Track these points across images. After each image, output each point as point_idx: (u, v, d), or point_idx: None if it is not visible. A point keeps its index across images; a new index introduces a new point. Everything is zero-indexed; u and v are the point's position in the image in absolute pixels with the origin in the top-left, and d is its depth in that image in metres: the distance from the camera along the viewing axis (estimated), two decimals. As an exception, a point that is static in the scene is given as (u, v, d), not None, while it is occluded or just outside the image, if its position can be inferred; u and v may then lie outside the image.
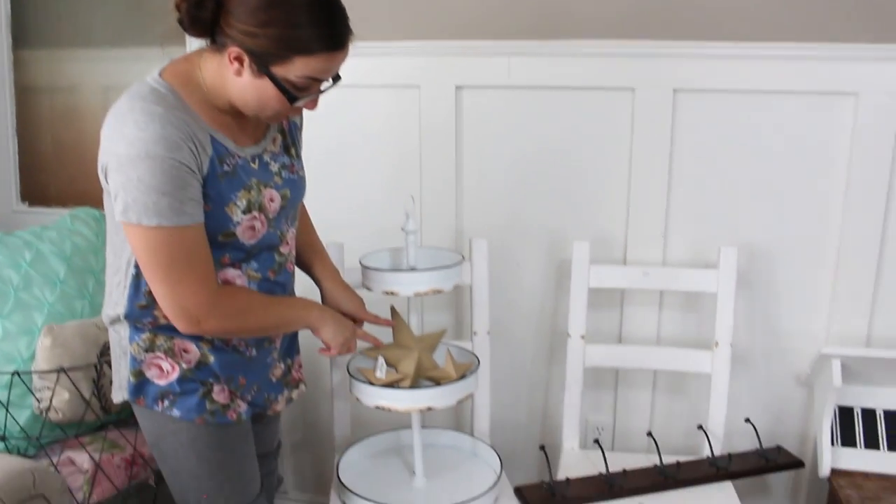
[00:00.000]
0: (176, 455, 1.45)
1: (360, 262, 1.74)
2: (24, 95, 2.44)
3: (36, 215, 2.42)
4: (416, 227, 1.72)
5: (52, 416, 1.79)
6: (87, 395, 1.81)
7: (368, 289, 1.73)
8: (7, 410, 1.77)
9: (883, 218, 1.87)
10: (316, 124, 1.68)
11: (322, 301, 1.66)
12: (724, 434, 1.91)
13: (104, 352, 1.84)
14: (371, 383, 1.64)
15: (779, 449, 1.95)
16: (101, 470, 1.78)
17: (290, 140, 1.50)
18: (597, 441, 1.89)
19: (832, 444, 1.86)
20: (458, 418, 2.24)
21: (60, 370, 1.77)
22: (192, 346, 1.40)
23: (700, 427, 1.93)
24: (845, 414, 1.89)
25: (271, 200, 1.39)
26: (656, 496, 1.78)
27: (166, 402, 1.41)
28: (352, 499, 1.69)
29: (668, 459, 1.87)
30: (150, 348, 1.39)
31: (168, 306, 1.30)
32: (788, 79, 1.85)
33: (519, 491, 1.79)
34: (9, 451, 1.79)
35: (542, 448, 1.86)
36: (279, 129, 1.48)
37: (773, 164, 1.92)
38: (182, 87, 1.30)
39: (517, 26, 1.96)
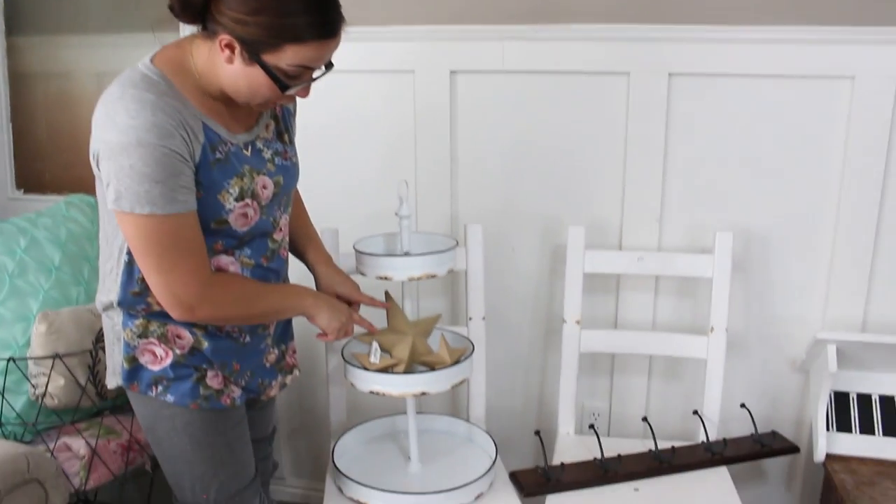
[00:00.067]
0: (170, 440, 1.45)
1: (354, 248, 1.74)
2: (18, 82, 2.42)
3: (31, 202, 2.41)
4: (411, 212, 1.72)
5: (48, 402, 1.80)
6: (82, 381, 1.81)
7: (363, 274, 1.73)
8: (3, 397, 1.78)
9: (879, 202, 1.87)
10: (310, 110, 1.68)
11: (316, 286, 1.66)
12: (720, 419, 1.92)
13: (99, 338, 1.84)
14: (365, 368, 1.65)
15: (774, 434, 1.96)
16: (97, 456, 1.79)
17: (284, 126, 1.49)
18: (592, 426, 1.90)
19: (827, 429, 1.86)
20: (454, 404, 2.24)
21: (56, 356, 1.77)
22: (185, 332, 1.40)
23: (695, 412, 1.93)
24: (840, 399, 1.90)
25: (264, 187, 1.39)
26: (652, 481, 1.79)
27: (160, 388, 1.41)
28: (347, 484, 1.70)
29: (664, 445, 1.87)
30: (144, 334, 1.39)
31: (161, 294, 1.30)
32: (785, 62, 1.84)
33: (514, 476, 1.80)
34: (5, 437, 1.80)
35: (538, 433, 1.86)
36: (272, 116, 1.47)
37: (768, 148, 1.91)
38: (174, 73, 1.28)
39: (512, 11, 1.94)
